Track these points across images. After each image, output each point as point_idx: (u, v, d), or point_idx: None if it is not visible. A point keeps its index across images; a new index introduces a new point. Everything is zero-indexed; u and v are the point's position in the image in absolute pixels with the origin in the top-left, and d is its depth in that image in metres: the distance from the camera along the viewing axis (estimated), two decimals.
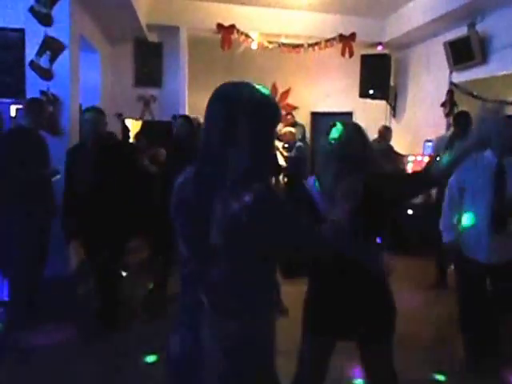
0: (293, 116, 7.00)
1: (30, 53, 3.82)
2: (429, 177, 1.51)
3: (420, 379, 2.57)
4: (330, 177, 1.52)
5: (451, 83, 5.50)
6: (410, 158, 5.63)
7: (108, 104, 5.53)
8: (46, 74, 3.87)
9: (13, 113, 4.30)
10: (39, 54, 3.82)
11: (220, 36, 6.04)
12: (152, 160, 3.93)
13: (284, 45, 6.30)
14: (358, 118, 7.42)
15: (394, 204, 1.66)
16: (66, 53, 3.90)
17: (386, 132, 5.67)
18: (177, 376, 1.17)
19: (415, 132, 6.33)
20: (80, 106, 4.29)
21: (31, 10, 3.77)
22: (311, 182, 1.62)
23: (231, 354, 1.08)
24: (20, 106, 3.81)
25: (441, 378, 2.56)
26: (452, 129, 4.12)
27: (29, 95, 3.72)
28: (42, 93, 3.83)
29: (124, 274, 3.94)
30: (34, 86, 3.83)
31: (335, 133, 1.56)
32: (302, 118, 7.19)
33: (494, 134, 1.56)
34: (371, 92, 6.57)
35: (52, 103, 3.83)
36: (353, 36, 6.34)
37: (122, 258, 3.51)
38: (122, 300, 3.23)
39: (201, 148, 1.12)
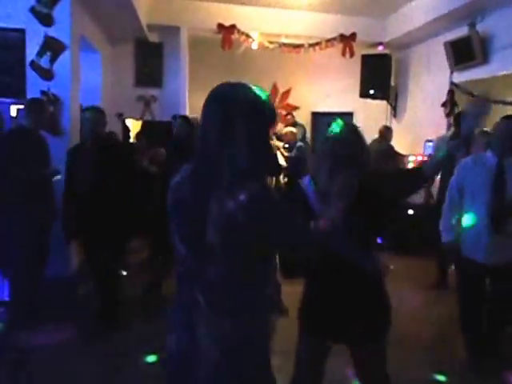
0: (293, 116, 6.99)
1: (31, 53, 3.83)
2: (421, 173, 1.54)
3: (420, 379, 2.56)
4: (324, 176, 1.51)
5: (452, 83, 5.49)
6: (411, 158, 5.63)
7: (108, 104, 5.53)
8: (47, 74, 3.87)
9: (13, 113, 4.31)
10: (40, 54, 3.83)
11: (220, 36, 6.04)
12: (152, 160, 3.94)
13: (284, 45, 6.30)
14: (358, 118, 7.42)
15: (391, 203, 1.67)
16: (66, 53, 3.90)
17: (386, 132, 5.67)
18: (173, 375, 1.18)
19: (416, 132, 6.33)
20: (80, 106, 4.29)
21: (32, 10, 3.78)
22: (306, 181, 1.61)
23: (227, 353, 1.09)
24: (21, 106, 3.81)
25: (441, 378, 2.56)
26: (452, 129, 4.11)
27: (29, 95, 3.72)
28: (43, 93, 3.83)
29: (124, 273, 3.94)
30: (34, 86, 3.83)
31: (336, 127, 1.56)
32: (303, 118, 7.18)
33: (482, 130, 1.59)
34: (372, 92, 6.57)
35: (53, 103, 3.83)
36: (353, 36, 6.34)
37: (122, 258, 3.51)
38: (122, 300, 3.23)
39: (197, 148, 1.13)
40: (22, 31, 3.85)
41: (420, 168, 1.57)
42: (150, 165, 3.88)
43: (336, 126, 1.56)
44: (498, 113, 4.13)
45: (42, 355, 2.63)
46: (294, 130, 5.79)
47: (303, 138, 6.12)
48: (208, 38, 6.23)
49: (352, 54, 6.38)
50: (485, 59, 4.92)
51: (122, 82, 6.14)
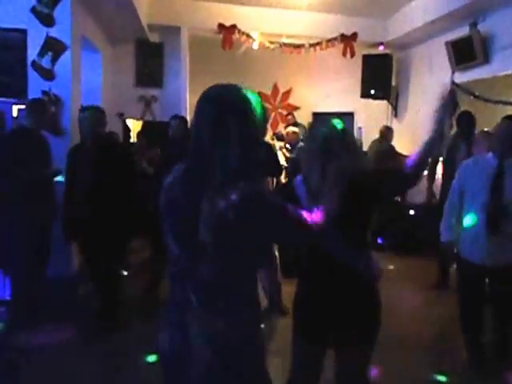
0: (293, 116, 7.00)
1: (32, 53, 3.83)
2: (407, 172, 1.53)
3: (421, 379, 2.56)
4: (316, 175, 1.50)
5: (453, 83, 5.48)
6: None
7: (109, 104, 5.54)
8: (48, 75, 3.87)
9: (15, 113, 4.31)
10: (41, 54, 3.83)
11: (221, 36, 6.04)
12: (150, 162, 3.94)
13: (285, 45, 6.30)
14: (359, 118, 7.42)
15: (384, 200, 1.66)
16: (67, 53, 3.90)
17: (387, 132, 5.66)
18: (166, 374, 1.19)
19: (417, 132, 6.31)
20: (81, 106, 4.30)
21: (33, 10, 3.78)
22: (299, 181, 1.61)
23: (220, 352, 1.09)
24: (22, 107, 3.81)
25: (442, 378, 2.55)
26: (454, 129, 4.10)
27: (31, 95, 3.72)
28: (44, 93, 3.83)
29: (125, 273, 3.95)
30: (35, 86, 3.84)
31: (338, 124, 1.56)
32: (304, 118, 7.18)
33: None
34: (373, 92, 6.57)
35: (54, 103, 3.83)
36: (354, 36, 6.34)
37: (122, 258, 3.51)
38: (122, 300, 3.24)
39: (190, 148, 1.15)
40: (23, 31, 3.85)
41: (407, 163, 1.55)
42: (148, 167, 3.88)
43: (338, 123, 1.56)
44: (498, 113, 4.13)
45: (42, 355, 2.63)
46: (296, 129, 5.78)
47: (304, 139, 6.12)
48: (209, 38, 6.23)
49: (353, 54, 6.37)
50: (486, 59, 4.91)
51: (123, 82, 6.15)
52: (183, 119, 3.79)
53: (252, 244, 1.09)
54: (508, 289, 2.42)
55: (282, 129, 7.03)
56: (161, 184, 1.21)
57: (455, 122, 4.11)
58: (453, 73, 5.44)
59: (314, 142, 1.55)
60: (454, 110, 5.48)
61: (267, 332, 3.03)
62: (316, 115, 7.55)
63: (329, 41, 6.32)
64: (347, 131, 1.57)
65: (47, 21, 3.82)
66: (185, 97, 6.24)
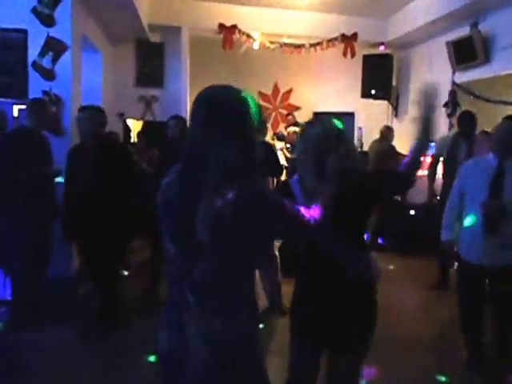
0: (294, 116, 7.00)
1: (33, 53, 3.84)
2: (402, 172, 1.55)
3: (421, 379, 2.56)
4: (310, 175, 1.49)
5: (454, 83, 5.48)
6: None
7: (109, 104, 5.55)
8: (49, 75, 3.88)
9: (15, 113, 4.32)
10: (42, 54, 3.84)
11: (222, 36, 6.05)
12: (149, 162, 3.94)
13: (286, 45, 6.30)
14: (359, 118, 7.42)
15: (384, 200, 1.66)
16: (68, 53, 3.91)
17: (387, 132, 5.66)
18: (164, 374, 1.19)
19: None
20: (80, 106, 4.30)
21: (34, 10, 3.79)
22: (294, 180, 1.60)
23: (217, 352, 1.09)
24: (22, 107, 3.82)
25: (442, 378, 2.55)
26: (455, 129, 4.10)
27: (31, 95, 3.73)
28: (45, 93, 3.84)
29: (125, 273, 3.95)
30: (36, 86, 3.84)
31: (339, 123, 1.55)
32: (304, 118, 7.16)
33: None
34: (373, 92, 6.57)
35: (54, 103, 3.84)
36: (355, 36, 6.34)
37: (123, 258, 3.51)
38: (122, 300, 3.24)
39: (186, 148, 1.16)
40: (23, 32, 3.86)
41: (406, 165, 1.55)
42: (147, 167, 3.88)
43: (339, 123, 1.56)
44: (499, 113, 4.12)
45: (42, 355, 2.63)
46: (297, 129, 5.79)
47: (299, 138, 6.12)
48: (209, 38, 6.23)
49: (353, 54, 6.37)
50: (487, 59, 4.90)
51: (123, 82, 6.16)
52: (181, 119, 3.77)
53: (250, 243, 1.09)
54: (508, 289, 2.41)
55: (282, 129, 7.04)
56: (160, 184, 1.22)
57: (456, 121, 4.11)
58: (453, 73, 5.44)
59: (308, 142, 1.55)
60: (454, 110, 5.50)
61: (267, 332, 3.04)
62: (316, 115, 7.55)
63: (329, 41, 6.32)
64: (342, 131, 1.56)
65: (48, 21, 3.83)
66: (185, 97, 6.24)
